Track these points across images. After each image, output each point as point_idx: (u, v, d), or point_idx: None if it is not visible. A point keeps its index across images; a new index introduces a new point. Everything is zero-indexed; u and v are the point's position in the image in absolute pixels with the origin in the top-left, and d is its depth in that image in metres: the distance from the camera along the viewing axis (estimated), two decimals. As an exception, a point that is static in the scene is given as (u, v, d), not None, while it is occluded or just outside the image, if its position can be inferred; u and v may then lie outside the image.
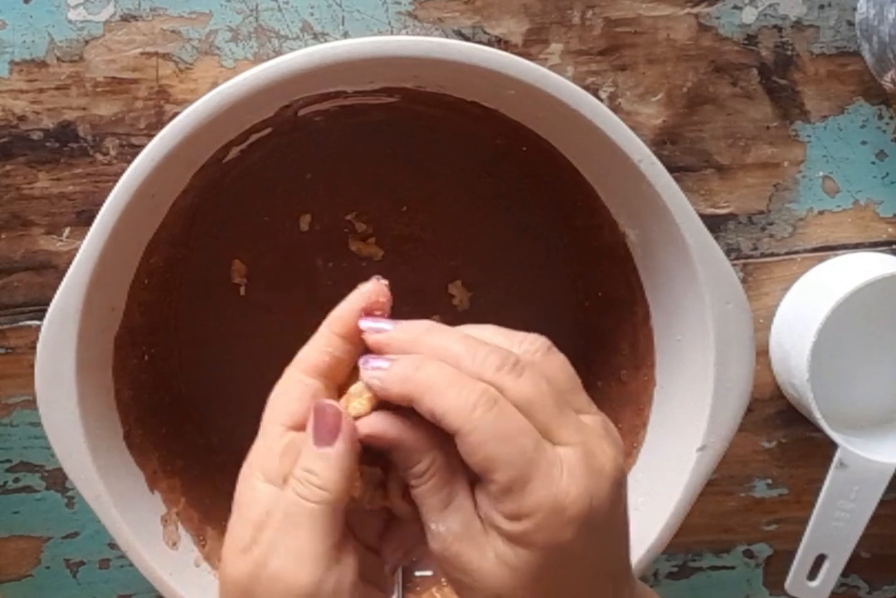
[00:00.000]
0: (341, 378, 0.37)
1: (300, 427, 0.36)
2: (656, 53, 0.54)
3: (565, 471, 0.34)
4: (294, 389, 0.36)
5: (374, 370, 0.36)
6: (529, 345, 0.37)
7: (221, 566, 0.36)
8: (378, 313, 0.37)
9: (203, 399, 0.55)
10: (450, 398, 0.34)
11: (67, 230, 0.54)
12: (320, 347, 0.37)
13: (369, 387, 0.36)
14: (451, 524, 0.35)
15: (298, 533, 0.35)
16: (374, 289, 0.38)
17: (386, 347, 0.36)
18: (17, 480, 0.56)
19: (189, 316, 0.54)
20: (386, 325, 0.37)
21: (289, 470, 0.35)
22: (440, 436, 0.35)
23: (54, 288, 0.45)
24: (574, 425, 0.36)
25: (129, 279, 0.48)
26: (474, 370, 0.35)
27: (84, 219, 0.53)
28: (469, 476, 0.36)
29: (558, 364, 0.37)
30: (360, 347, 0.37)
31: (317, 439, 0.35)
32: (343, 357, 0.37)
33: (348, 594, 0.35)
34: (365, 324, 0.37)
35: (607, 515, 0.35)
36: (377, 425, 0.36)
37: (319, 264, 0.55)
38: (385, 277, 0.55)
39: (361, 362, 0.37)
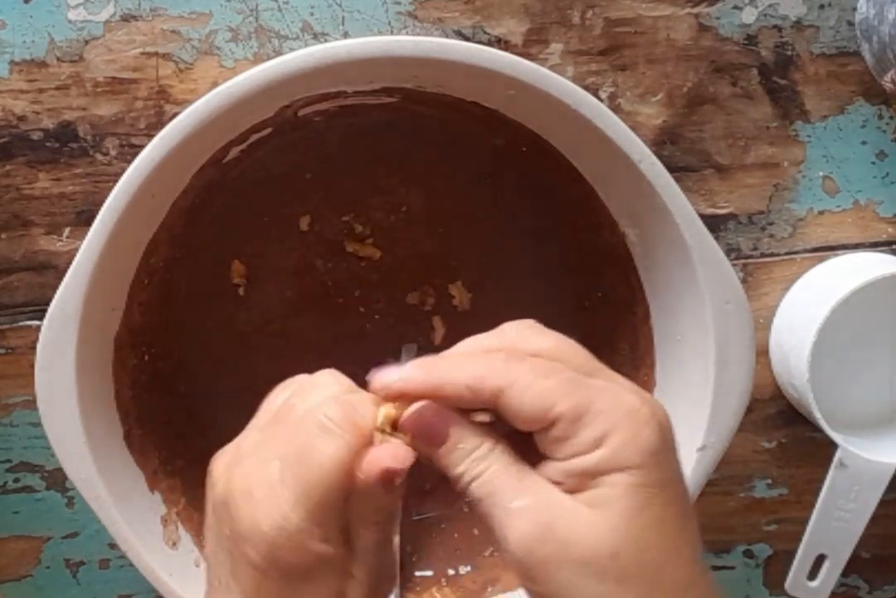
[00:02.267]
0: None
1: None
2: (656, 53, 0.54)
3: (623, 388, 0.35)
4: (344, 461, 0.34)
5: (387, 375, 0.35)
6: (522, 324, 0.37)
7: None
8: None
9: (203, 399, 0.55)
10: (481, 365, 0.34)
11: (67, 230, 0.54)
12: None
13: (385, 391, 0.35)
14: (534, 495, 0.34)
15: (377, 563, 0.36)
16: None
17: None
18: (17, 480, 0.56)
19: (189, 316, 0.54)
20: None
21: (338, 541, 0.35)
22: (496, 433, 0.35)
23: (54, 288, 0.45)
24: (611, 371, 0.36)
25: (129, 279, 0.48)
26: (495, 343, 0.36)
27: (84, 219, 0.53)
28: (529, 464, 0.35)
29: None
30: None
31: (388, 488, 0.35)
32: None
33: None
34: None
35: (671, 433, 0.35)
36: (435, 413, 0.35)
37: (319, 265, 0.55)
38: (384, 277, 0.55)
39: (370, 376, 0.36)
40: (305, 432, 0.35)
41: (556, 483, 0.34)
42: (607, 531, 0.33)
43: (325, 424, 0.34)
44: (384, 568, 0.37)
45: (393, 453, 0.34)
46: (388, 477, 0.34)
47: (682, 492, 0.35)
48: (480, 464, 0.35)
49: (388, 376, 0.35)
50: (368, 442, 0.35)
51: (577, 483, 0.34)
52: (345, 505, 0.35)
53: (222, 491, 0.35)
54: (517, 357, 0.35)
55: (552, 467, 0.34)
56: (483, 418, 0.35)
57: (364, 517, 0.35)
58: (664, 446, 0.34)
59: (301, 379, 0.37)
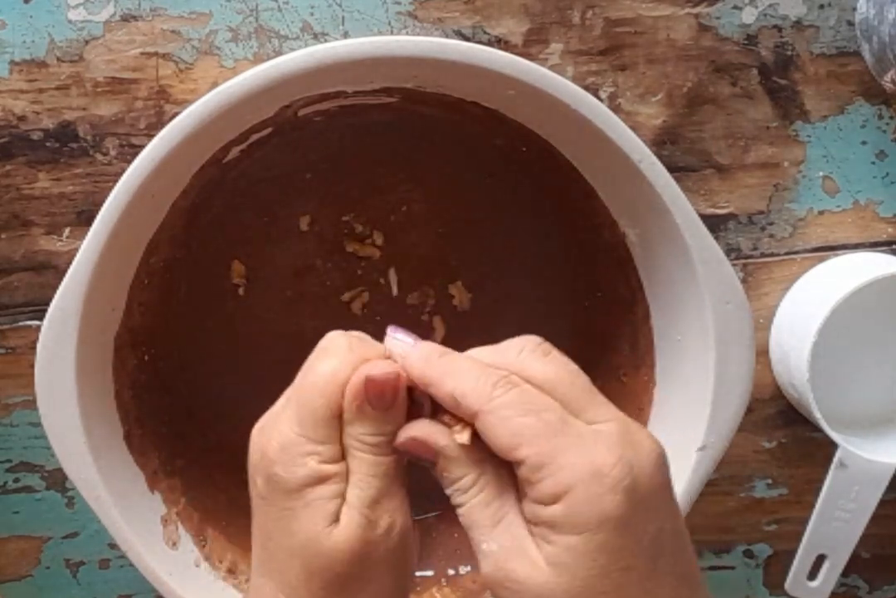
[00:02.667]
0: None
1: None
2: (656, 53, 0.54)
3: (600, 441, 0.34)
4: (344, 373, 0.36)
5: (400, 342, 0.37)
6: (528, 343, 0.37)
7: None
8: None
9: (203, 399, 0.55)
10: (470, 380, 0.34)
11: (67, 230, 0.54)
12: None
13: (391, 354, 0.37)
14: (502, 541, 0.34)
15: (379, 491, 0.36)
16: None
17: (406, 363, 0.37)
18: (17, 480, 0.56)
19: (189, 316, 0.54)
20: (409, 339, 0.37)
21: (336, 453, 0.36)
22: (487, 454, 0.35)
23: (54, 288, 0.45)
24: (606, 405, 0.35)
25: (129, 279, 0.48)
26: (496, 361, 0.35)
27: (84, 219, 0.53)
28: (516, 495, 0.35)
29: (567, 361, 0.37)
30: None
31: (380, 405, 0.36)
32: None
33: (410, 530, 0.37)
34: (391, 332, 0.38)
35: (653, 490, 0.34)
36: (424, 429, 0.36)
37: (319, 265, 0.55)
38: (384, 277, 0.55)
39: (390, 330, 0.37)
40: (310, 360, 0.37)
41: (528, 523, 0.34)
42: (560, 592, 0.33)
43: (326, 348, 0.37)
44: (385, 502, 0.37)
45: (376, 365, 0.36)
46: (373, 390, 0.36)
47: (654, 548, 0.34)
48: (461, 496, 0.35)
49: (396, 346, 0.37)
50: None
51: (542, 531, 0.34)
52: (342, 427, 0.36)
53: (251, 450, 0.37)
54: (508, 383, 0.34)
55: (526, 505, 0.34)
56: (464, 438, 0.36)
57: (358, 438, 0.36)
58: (629, 511, 0.33)
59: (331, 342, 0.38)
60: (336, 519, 0.36)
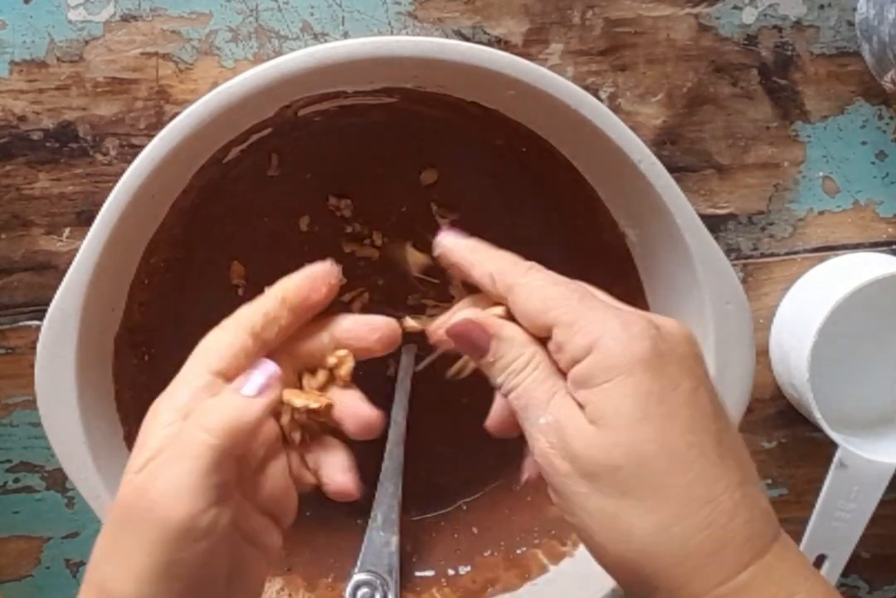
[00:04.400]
0: (272, 343, 0.39)
1: (224, 375, 0.37)
2: (656, 53, 0.54)
3: (626, 308, 0.36)
4: (232, 341, 0.38)
5: (446, 237, 0.40)
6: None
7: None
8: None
9: (203, 399, 0.54)
10: (507, 262, 0.38)
11: (67, 230, 0.54)
12: (267, 313, 0.39)
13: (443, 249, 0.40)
14: (557, 413, 0.35)
15: (183, 464, 0.35)
16: (329, 271, 0.40)
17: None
18: (17, 480, 0.56)
19: (189, 316, 0.54)
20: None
21: (195, 408, 0.36)
22: (533, 337, 0.36)
23: (54, 288, 0.45)
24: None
25: (129, 279, 0.48)
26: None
27: (84, 219, 0.53)
28: (563, 378, 0.36)
29: None
30: (301, 319, 0.40)
31: (248, 388, 0.37)
32: (284, 327, 0.39)
33: (219, 537, 0.35)
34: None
35: (684, 355, 0.35)
36: (478, 314, 0.38)
37: (319, 265, 0.54)
38: (384, 278, 0.55)
39: (443, 231, 0.40)
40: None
41: (573, 396, 0.35)
42: (609, 446, 0.34)
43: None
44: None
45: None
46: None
47: (693, 404, 0.35)
48: (516, 378, 0.36)
49: (446, 239, 0.40)
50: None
51: (583, 395, 0.35)
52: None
53: None
54: (540, 267, 0.38)
55: (568, 377, 0.36)
56: (498, 311, 0.38)
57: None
58: (659, 358, 0.34)
59: None
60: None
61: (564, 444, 0.35)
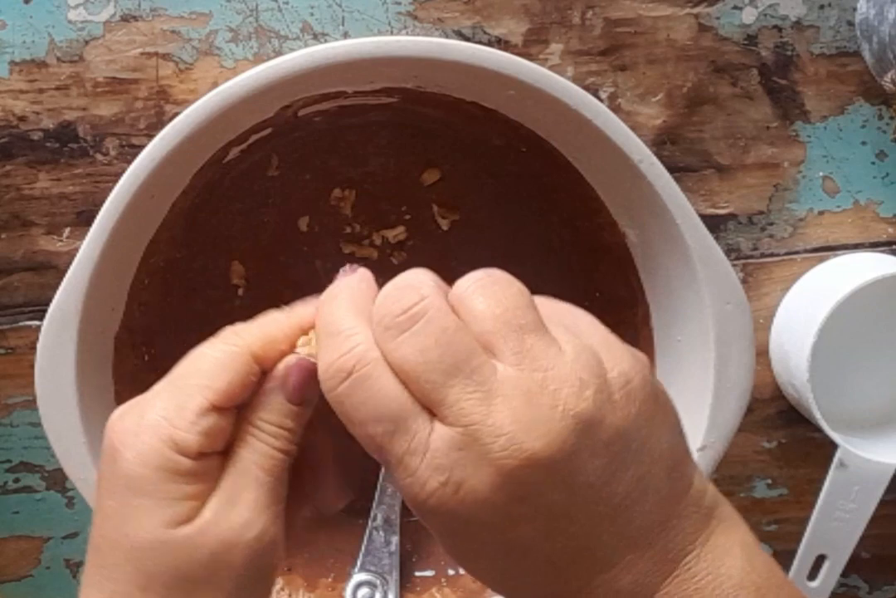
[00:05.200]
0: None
1: (224, 404, 0.34)
2: (656, 53, 0.54)
3: (428, 456, 0.30)
4: (234, 362, 0.35)
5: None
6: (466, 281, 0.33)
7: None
8: None
9: (203, 399, 0.54)
10: (323, 355, 0.32)
11: (67, 230, 0.54)
12: (276, 336, 0.36)
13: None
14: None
15: (260, 487, 0.34)
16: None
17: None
18: (17, 480, 0.56)
19: (189, 316, 0.54)
20: None
21: (201, 446, 0.33)
22: None
23: (54, 288, 0.45)
24: (460, 400, 0.30)
25: (129, 279, 0.48)
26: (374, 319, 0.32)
27: (84, 219, 0.53)
28: None
29: (505, 292, 0.33)
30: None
31: (293, 397, 0.34)
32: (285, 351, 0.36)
33: (280, 543, 0.34)
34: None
35: (495, 507, 0.30)
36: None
37: (318, 265, 0.54)
38: (384, 278, 0.55)
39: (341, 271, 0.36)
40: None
41: None
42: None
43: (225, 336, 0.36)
44: (264, 502, 0.34)
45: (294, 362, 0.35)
46: (298, 377, 0.34)
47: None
48: None
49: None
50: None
51: None
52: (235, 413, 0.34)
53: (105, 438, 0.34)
54: (342, 368, 0.31)
55: None
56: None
57: (258, 423, 0.35)
58: (501, 498, 0.30)
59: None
60: (186, 521, 0.33)
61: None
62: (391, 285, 0.33)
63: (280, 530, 0.34)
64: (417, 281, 0.32)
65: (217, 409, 0.34)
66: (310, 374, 0.34)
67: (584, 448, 0.30)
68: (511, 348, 0.31)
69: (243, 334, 0.36)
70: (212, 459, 0.34)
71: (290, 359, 0.35)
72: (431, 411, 0.31)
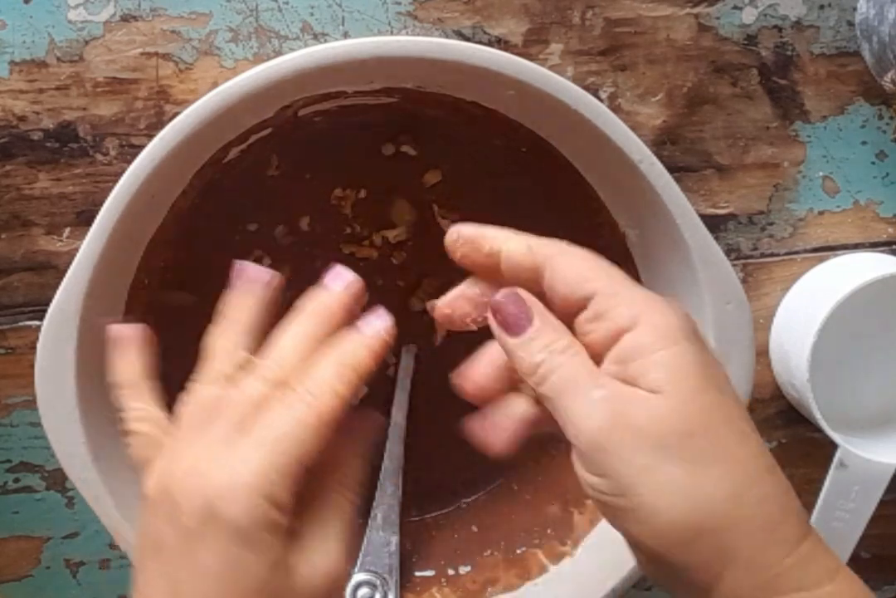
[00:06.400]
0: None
1: (311, 463, 0.36)
2: (656, 53, 0.54)
3: (650, 292, 0.36)
4: (322, 429, 0.37)
5: (463, 227, 0.39)
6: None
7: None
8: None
9: (203, 399, 0.54)
10: (532, 238, 0.38)
11: (67, 230, 0.54)
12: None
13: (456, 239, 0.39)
14: (608, 387, 0.35)
15: (340, 532, 0.37)
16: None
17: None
18: (17, 480, 0.56)
19: (189, 317, 0.54)
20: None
21: (292, 503, 0.36)
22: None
23: (54, 288, 0.45)
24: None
25: (129, 279, 0.48)
26: None
27: (84, 219, 0.53)
28: None
29: None
30: None
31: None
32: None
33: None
34: None
35: (700, 338, 0.36)
36: (523, 291, 0.37)
37: (318, 265, 0.54)
38: (384, 278, 0.55)
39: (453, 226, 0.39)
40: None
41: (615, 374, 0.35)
42: (677, 414, 0.34)
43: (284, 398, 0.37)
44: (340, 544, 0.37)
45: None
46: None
47: (725, 378, 0.36)
48: (560, 357, 0.35)
49: (464, 225, 0.39)
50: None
51: (634, 369, 0.34)
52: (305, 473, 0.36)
53: (159, 474, 0.37)
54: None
55: (610, 357, 0.35)
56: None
57: (342, 482, 0.38)
58: (696, 331, 0.35)
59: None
60: (282, 565, 0.35)
61: (627, 417, 0.34)
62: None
63: (345, 567, 0.37)
64: None
65: (303, 466, 0.36)
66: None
67: None
68: None
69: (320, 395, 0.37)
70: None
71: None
72: None
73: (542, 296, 0.37)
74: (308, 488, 0.36)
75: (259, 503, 0.34)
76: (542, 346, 0.36)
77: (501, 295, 0.37)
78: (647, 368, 0.34)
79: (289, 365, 0.37)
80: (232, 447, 0.36)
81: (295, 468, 0.35)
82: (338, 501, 0.37)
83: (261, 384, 0.37)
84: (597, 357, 0.36)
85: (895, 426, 0.57)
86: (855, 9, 0.54)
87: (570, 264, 0.36)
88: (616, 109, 0.53)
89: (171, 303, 0.53)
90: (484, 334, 0.39)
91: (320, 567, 0.36)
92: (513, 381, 0.38)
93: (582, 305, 0.36)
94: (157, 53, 0.52)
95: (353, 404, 0.37)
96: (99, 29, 0.52)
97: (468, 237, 0.38)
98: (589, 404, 0.34)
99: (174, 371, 0.54)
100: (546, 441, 0.54)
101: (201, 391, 0.38)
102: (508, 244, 0.37)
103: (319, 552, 0.36)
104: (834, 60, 0.55)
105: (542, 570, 0.53)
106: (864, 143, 0.56)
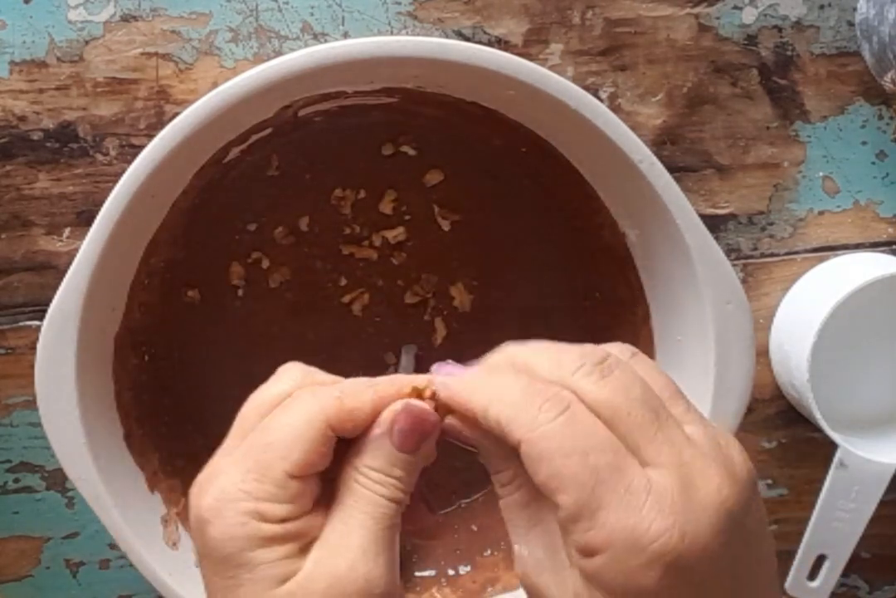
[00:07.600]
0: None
1: (303, 473, 0.33)
2: (656, 53, 0.54)
3: (651, 499, 0.29)
4: (310, 432, 0.33)
5: (445, 376, 0.34)
6: (613, 348, 0.33)
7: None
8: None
9: (203, 399, 0.54)
10: (516, 405, 0.31)
11: (67, 230, 0.54)
12: (354, 407, 0.34)
13: (436, 395, 0.34)
14: (533, 549, 0.32)
15: (367, 534, 0.33)
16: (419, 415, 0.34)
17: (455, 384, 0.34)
18: (17, 480, 0.56)
19: (189, 316, 0.54)
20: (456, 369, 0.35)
21: (288, 513, 0.33)
22: None
23: (54, 288, 0.45)
24: (673, 442, 0.31)
25: (129, 279, 0.48)
26: (552, 375, 0.32)
27: (84, 219, 0.53)
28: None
29: (650, 366, 0.33)
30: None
31: (402, 445, 0.33)
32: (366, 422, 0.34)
33: (397, 596, 0.34)
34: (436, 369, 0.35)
35: (709, 559, 0.30)
36: (457, 424, 0.34)
37: (318, 266, 0.54)
38: (384, 279, 0.55)
39: (434, 367, 0.35)
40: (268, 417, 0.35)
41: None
42: None
43: (289, 404, 0.35)
44: (373, 550, 0.33)
45: (417, 402, 0.34)
46: (406, 424, 0.33)
47: None
48: (501, 489, 0.33)
49: (439, 378, 0.34)
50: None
51: (578, 562, 0.31)
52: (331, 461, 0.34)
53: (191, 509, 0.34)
54: (558, 403, 0.31)
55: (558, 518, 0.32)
56: None
57: (364, 471, 0.34)
58: (667, 587, 0.29)
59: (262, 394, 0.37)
60: (289, 578, 0.32)
61: (537, 587, 0.32)
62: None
63: (395, 580, 0.33)
64: (592, 346, 0.33)
65: (296, 477, 0.33)
66: (417, 420, 0.33)
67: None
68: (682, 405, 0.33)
69: (321, 397, 0.34)
70: (306, 514, 0.33)
71: (396, 405, 0.34)
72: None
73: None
74: (334, 481, 0.34)
75: (241, 521, 0.32)
76: (491, 472, 0.34)
77: (442, 423, 0.34)
78: (585, 581, 0.31)
79: None
80: (232, 460, 0.34)
81: (279, 478, 0.33)
82: (357, 496, 0.34)
83: None
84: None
85: (895, 426, 0.57)
86: (855, 9, 0.54)
87: (539, 463, 0.31)
88: (616, 109, 0.53)
89: (172, 303, 0.53)
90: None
91: (327, 566, 0.33)
92: None
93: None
94: (157, 53, 0.52)
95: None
96: (99, 29, 0.52)
97: (460, 406, 0.34)
98: (513, 551, 0.33)
99: (174, 373, 0.54)
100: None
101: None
102: (478, 417, 0.33)
103: (330, 556, 0.33)
104: (834, 60, 0.55)
105: (542, 570, 0.53)
106: (864, 143, 0.56)
